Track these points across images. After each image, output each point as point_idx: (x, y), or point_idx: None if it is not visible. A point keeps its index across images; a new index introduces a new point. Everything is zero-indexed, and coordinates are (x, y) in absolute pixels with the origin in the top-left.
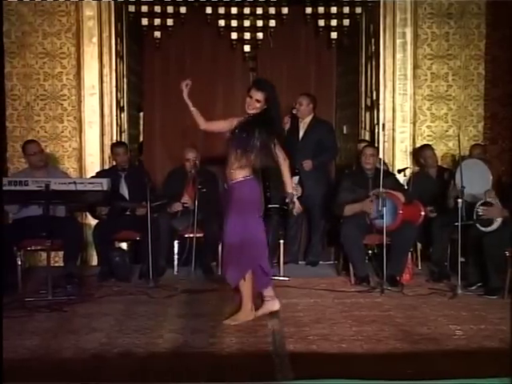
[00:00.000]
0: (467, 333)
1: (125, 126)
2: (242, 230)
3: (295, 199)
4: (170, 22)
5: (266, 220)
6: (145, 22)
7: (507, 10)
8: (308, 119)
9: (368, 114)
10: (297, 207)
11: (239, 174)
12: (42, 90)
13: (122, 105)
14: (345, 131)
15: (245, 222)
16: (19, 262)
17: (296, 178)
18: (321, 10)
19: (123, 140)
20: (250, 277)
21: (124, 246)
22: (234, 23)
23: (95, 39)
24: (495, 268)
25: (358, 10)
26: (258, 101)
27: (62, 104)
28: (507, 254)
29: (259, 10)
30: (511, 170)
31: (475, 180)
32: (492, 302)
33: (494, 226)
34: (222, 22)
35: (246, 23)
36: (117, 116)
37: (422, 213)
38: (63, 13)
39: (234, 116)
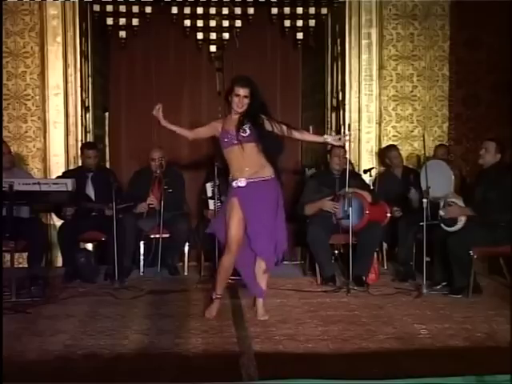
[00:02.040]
0: (432, 332)
1: (90, 126)
2: (273, 223)
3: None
4: (135, 21)
5: None
6: (110, 21)
7: (471, 12)
8: None
9: (334, 115)
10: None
11: (267, 171)
12: (5, 90)
13: (87, 105)
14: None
15: (276, 216)
16: None
17: None
18: (287, 10)
19: (88, 140)
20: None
21: (89, 246)
22: (199, 23)
23: (59, 38)
24: (460, 267)
25: (324, 10)
26: (246, 97)
27: (25, 104)
28: (471, 253)
29: (225, 10)
30: (475, 171)
31: (438, 181)
32: (457, 301)
33: (459, 226)
34: (187, 22)
35: (212, 23)
36: (82, 116)
37: (388, 214)
38: (26, 11)
39: (213, 120)
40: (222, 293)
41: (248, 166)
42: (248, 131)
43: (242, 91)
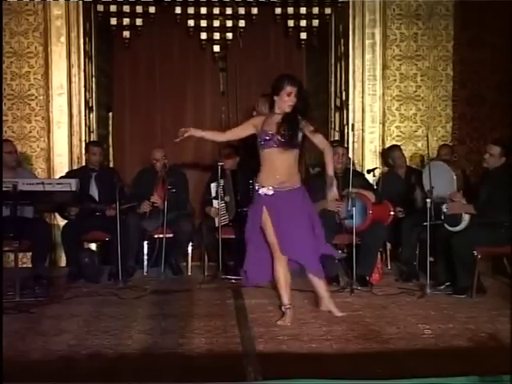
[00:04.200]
0: (436, 332)
1: (94, 126)
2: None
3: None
4: (139, 21)
5: (237, 222)
6: (114, 21)
7: (475, 12)
8: None
9: (337, 115)
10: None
11: (295, 180)
12: (9, 90)
13: (90, 105)
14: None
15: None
16: None
17: None
18: (290, 10)
19: (92, 140)
20: None
21: (93, 246)
22: (203, 23)
23: (63, 39)
24: (463, 267)
25: (328, 10)
26: (295, 96)
27: (29, 104)
28: (475, 253)
29: (229, 10)
30: (479, 171)
31: (439, 182)
32: (460, 302)
33: (462, 226)
34: (191, 22)
35: (216, 23)
36: (85, 116)
37: (392, 212)
38: (30, 12)
39: (249, 119)
40: (289, 301)
41: (280, 173)
42: (288, 136)
43: (293, 90)
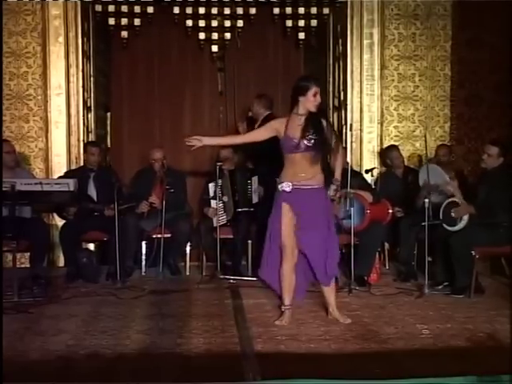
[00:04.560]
0: (434, 332)
1: (92, 126)
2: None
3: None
4: (137, 21)
5: (235, 222)
6: (112, 21)
7: (473, 12)
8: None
9: (336, 115)
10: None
11: (318, 180)
12: (7, 90)
13: (89, 105)
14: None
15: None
16: None
17: (255, 178)
18: (288, 10)
19: (90, 140)
20: None
21: (91, 246)
22: (201, 23)
23: (61, 39)
24: (462, 267)
25: (326, 10)
26: (320, 96)
27: (27, 104)
28: (473, 253)
29: (227, 10)
30: (477, 171)
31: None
32: (458, 301)
33: (461, 225)
34: (189, 22)
35: (214, 23)
36: (84, 116)
37: (390, 210)
38: (29, 12)
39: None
40: (290, 303)
41: (304, 171)
42: (313, 140)
43: (318, 90)
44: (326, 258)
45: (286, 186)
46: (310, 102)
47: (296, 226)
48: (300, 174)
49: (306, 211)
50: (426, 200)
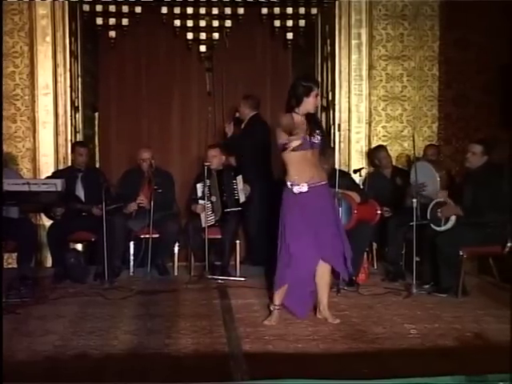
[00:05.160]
0: (422, 331)
1: (79, 126)
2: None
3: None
4: (125, 21)
5: (223, 222)
6: (99, 21)
7: (460, 12)
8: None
9: (324, 115)
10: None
11: (323, 176)
12: None
13: (76, 105)
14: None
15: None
16: None
17: (240, 178)
18: (276, 10)
19: (78, 140)
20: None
21: (79, 247)
22: (189, 23)
23: (49, 38)
24: (448, 268)
25: (314, 10)
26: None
27: (15, 104)
28: (461, 253)
29: (215, 10)
30: (464, 171)
31: (425, 181)
32: (446, 301)
33: (448, 225)
34: (177, 22)
35: (202, 23)
36: (71, 116)
37: (378, 211)
38: (15, 11)
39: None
40: (280, 303)
41: (312, 169)
42: (319, 137)
43: (318, 91)
44: (343, 252)
45: (302, 187)
46: (311, 103)
47: (309, 225)
48: (311, 171)
49: (323, 206)
50: (414, 200)
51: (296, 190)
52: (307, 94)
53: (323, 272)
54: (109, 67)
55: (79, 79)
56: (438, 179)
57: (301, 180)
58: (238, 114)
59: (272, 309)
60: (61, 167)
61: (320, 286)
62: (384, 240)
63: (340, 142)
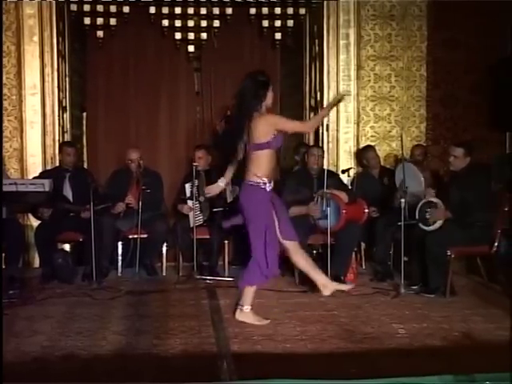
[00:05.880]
0: (410, 331)
1: (67, 126)
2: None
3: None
4: (113, 21)
5: (212, 222)
6: (87, 21)
7: (448, 12)
8: None
9: (312, 115)
10: None
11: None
12: None
13: (64, 105)
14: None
15: None
16: None
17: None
18: (265, 10)
19: (66, 140)
20: None
21: (67, 247)
22: (177, 23)
23: (36, 38)
24: (436, 267)
25: (302, 11)
26: None
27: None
28: (449, 253)
29: (203, 10)
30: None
31: (409, 183)
32: (434, 301)
33: (437, 225)
34: (165, 22)
35: (190, 23)
36: (59, 116)
37: (366, 210)
38: (2, 11)
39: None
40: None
41: (273, 168)
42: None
43: None
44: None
45: (271, 185)
46: (270, 98)
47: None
48: (271, 171)
49: (280, 203)
50: (402, 200)
51: (268, 187)
52: (268, 88)
53: (295, 249)
54: (97, 67)
55: (67, 79)
56: (422, 179)
57: (269, 178)
58: (229, 113)
59: (246, 310)
60: (48, 167)
61: (302, 266)
62: (372, 240)
63: (328, 142)
